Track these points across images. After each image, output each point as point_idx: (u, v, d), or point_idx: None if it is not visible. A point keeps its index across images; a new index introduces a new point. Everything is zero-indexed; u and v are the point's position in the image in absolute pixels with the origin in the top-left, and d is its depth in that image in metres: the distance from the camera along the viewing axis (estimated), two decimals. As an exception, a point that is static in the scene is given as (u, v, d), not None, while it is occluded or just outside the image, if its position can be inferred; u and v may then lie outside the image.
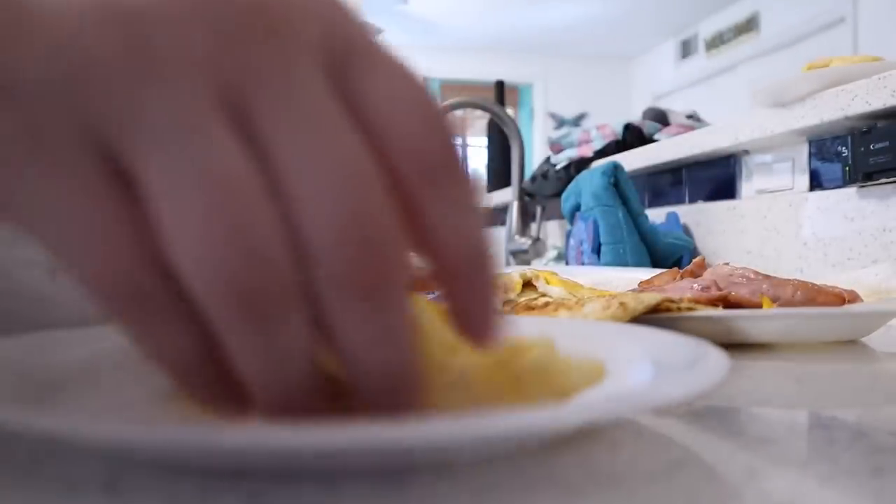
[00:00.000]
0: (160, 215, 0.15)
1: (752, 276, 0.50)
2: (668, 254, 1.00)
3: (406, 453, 0.18)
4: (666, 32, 5.57)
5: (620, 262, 0.96)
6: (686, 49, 5.56)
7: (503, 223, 2.06)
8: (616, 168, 0.99)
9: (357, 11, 0.18)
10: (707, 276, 0.52)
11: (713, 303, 0.46)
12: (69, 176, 0.15)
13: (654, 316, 0.42)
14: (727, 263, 0.53)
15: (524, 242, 1.40)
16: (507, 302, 0.49)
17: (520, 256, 1.41)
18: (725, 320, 0.42)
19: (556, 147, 1.43)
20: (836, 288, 0.48)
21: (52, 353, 0.27)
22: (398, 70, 0.18)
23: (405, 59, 0.18)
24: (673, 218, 1.08)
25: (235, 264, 0.15)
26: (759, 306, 0.46)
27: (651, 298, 0.42)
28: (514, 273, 0.52)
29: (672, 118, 1.35)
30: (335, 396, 0.18)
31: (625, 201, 0.99)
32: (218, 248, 0.15)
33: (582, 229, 1.04)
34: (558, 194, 1.18)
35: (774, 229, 0.89)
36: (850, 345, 0.45)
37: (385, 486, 0.18)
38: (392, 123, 0.17)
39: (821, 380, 0.36)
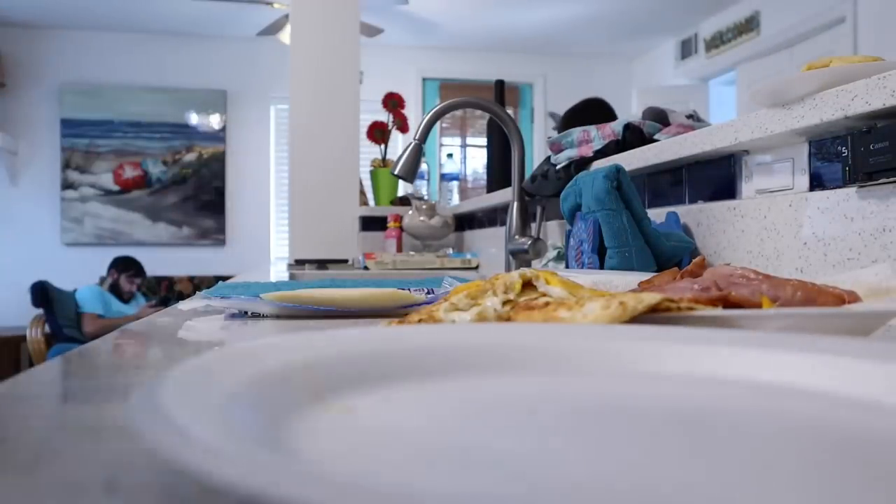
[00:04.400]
0: None
1: (752, 276, 0.50)
2: (672, 256, 1.00)
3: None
4: (666, 32, 5.57)
5: (626, 265, 0.96)
6: (686, 49, 5.56)
7: (503, 223, 2.06)
8: (619, 171, 0.99)
9: None
10: (707, 276, 0.52)
11: (713, 303, 0.46)
12: None
13: (655, 316, 0.42)
14: (727, 263, 0.53)
15: (524, 242, 1.40)
16: (507, 302, 0.49)
17: (520, 256, 1.41)
18: (725, 320, 0.42)
19: (556, 147, 1.43)
20: (836, 288, 0.48)
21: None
22: None
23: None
24: (673, 218, 1.08)
25: None
26: (759, 306, 0.46)
27: (651, 298, 0.42)
28: (514, 273, 0.52)
29: (672, 118, 1.35)
30: None
31: (628, 205, 0.99)
32: None
33: (582, 229, 1.04)
34: (558, 194, 1.18)
35: (774, 229, 0.89)
36: (850, 345, 0.45)
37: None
38: None
39: (821, 380, 0.36)
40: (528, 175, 1.55)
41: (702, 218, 1.04)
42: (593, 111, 2.42)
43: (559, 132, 1.48)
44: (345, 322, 0.64)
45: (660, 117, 1.35)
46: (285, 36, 4.35)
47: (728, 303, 0.47)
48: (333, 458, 0.20)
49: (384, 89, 2.85)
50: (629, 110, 5.78)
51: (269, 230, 5.66)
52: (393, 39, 5.41)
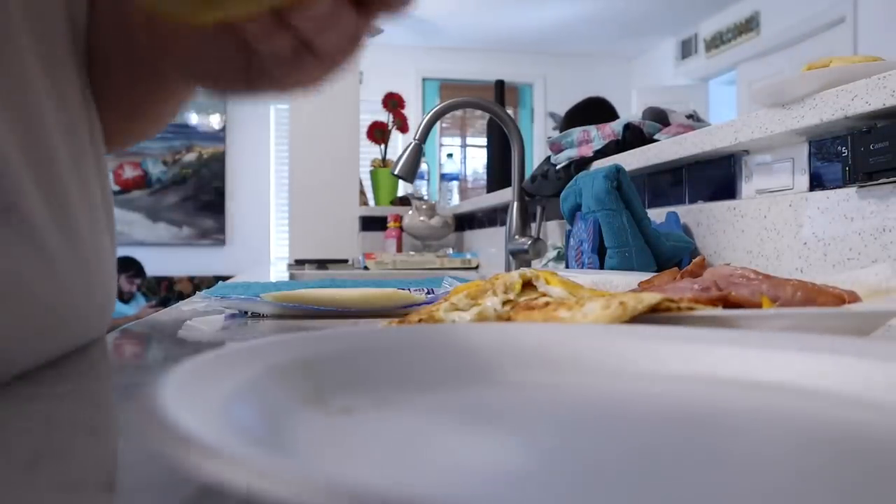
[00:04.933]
0: None
1: (751, 276, 0.50)
2: (672, 256, 1.00)
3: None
4: (666, 32, 5.57)
5: (626, 265, 0.96)
6: (686, 49, 5.56)
7: (503, 223, 2.06)
8: (619, 171, 0.99)
9: None
10: (707, 276, 0.52)
11: (713, 303, 0.46)
12: None
13: (655, 316, 0.42)
14: (727, 263, 0.53)
15: (524, 242, 1.40)
16: (507, 302, 0.49)
17: (520, 256, 1.41)
18: (725, 320, 0.42)
19: (556, 147, 1.43)
20: (836, 288, 0.48)
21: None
22: None
23: None
24: (673, 218, 1.08)
25: None
26: (759, 306, 0.46)
27: (651, 298, 0.42)
28: (514, 273, 0.52)
29: (672, 118, 1.35)
30: None
31: (628, 205, 0.99)
32: None
33: (582, 229, 1.04)
34: (558, 194, 1.18)
35: (774, 229, 0.89)
36: (850, 345, 0.45)
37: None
38: None
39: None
40: (528, 175, 1.55)
41: (702, 218, 1.04)
42: (594, 110, 2.42)
43: (560, 132, 1.48)
44: (345, 322, 0.64)
45: (660, 117, 1.35)
46: (285, 36, 4.35)
47: (728, 303, 0.47)
48: (332, 458, 0.20)
49: (384, 89, 2.85)
50: (629, 110, 5.78)
51: (269, 230, 5.66)
52: (393, 39, 5.41)
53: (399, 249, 2.37)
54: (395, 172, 1.40)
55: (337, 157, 2.53)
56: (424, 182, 2.80)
